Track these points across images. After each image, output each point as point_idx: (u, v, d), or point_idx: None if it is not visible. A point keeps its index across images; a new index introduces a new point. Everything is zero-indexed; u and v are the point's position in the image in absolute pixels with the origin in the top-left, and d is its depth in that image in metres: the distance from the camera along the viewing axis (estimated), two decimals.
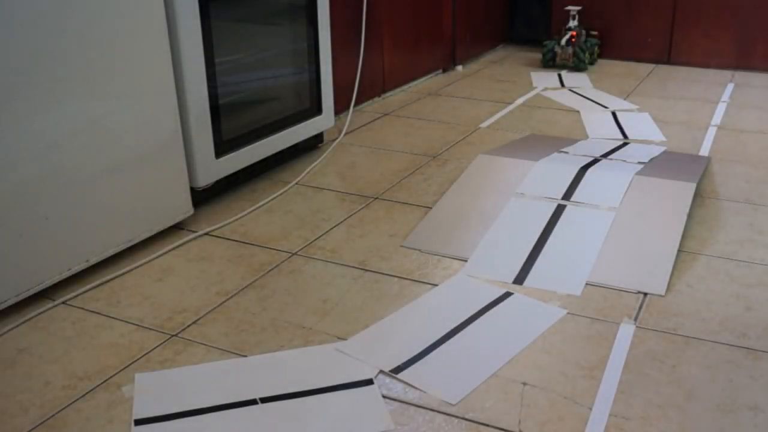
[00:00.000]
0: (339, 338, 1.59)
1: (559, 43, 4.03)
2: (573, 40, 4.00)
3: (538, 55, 4.48)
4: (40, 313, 1.69)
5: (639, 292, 1.76)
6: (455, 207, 2.19)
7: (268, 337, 1.60)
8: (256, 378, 1.45)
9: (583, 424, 1.33)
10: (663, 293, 1.75)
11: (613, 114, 3.18)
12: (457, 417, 1.35)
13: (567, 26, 4.06)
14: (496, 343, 1.56)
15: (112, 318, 1.68)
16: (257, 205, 2.26)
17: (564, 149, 2.61)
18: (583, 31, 4.08)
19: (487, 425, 1.33)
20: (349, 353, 1.53)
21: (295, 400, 1.39)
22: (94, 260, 1.85)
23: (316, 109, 2.64)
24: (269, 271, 1.88)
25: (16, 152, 1.61)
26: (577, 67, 4.02)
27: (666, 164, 2.45)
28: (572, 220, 2.06)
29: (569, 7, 4.11)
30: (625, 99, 3.44)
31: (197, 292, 1.79)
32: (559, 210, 2.10)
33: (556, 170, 2.32)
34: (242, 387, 1.43)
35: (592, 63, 4.16)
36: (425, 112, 3.25)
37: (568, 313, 1.68)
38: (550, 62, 4.11)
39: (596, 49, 4.20)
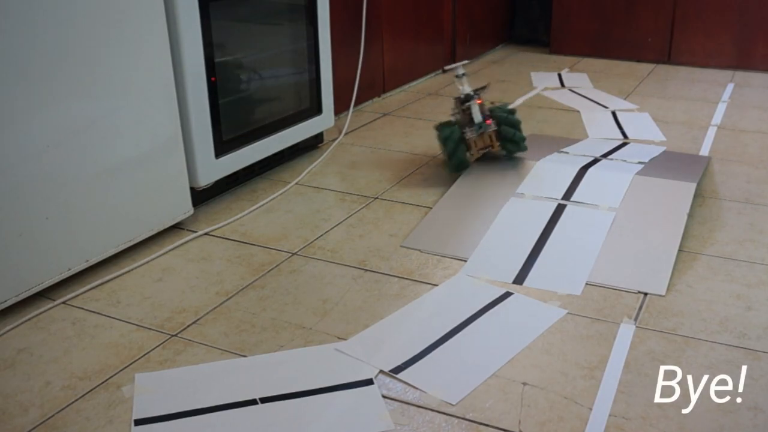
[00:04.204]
0: (339, 338, 1.59)
1: (468, 125, 2.37)
2: (488, 118, 2.39)
3: (538, 55, 4.48)
4: (40, 313, 1.69)
5: (639, 292, 1.76)
6: (455, 207, 2.19)
7: (268, 337, 1.59)
8: (256, 378, 1.45)
9: (583, 424, 1.33)
10: (663, 293, 1.75)
11: (613, 114, 3.18)
12: (457, 417, 1.35)
13: (462, 95, 2.40)
14: (496, 343, 1.56)
15: (112, 318, 1.68)
16: (257, 205, 2.26)
17: (564, 149, 2.60)
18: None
19: (487, 425, 1.33)
20: (349, 353, 1.53)
21: (295, 400, 1.39)
22: (94, 260, 1.84)
23: (316, 109, 2.64)
24: (269, 271, 1.88)
25: (16, 152, 1.61)
26: (514, 149, 2.43)
27: (666, 164, 2.45)
28: (572, 220, 2.05)
29: (452, 66, 2.63)
30: (625, 99, 3.44)
31: (197, 292, 1.79)
32: (560, 210, 2.10)
33: (556, 170, 2.32)
34: (242, 387, 1.43)
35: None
36: (425, 112, 3.25)
37: (568, 313, 1.68)
38: (461, 159, 2.38)
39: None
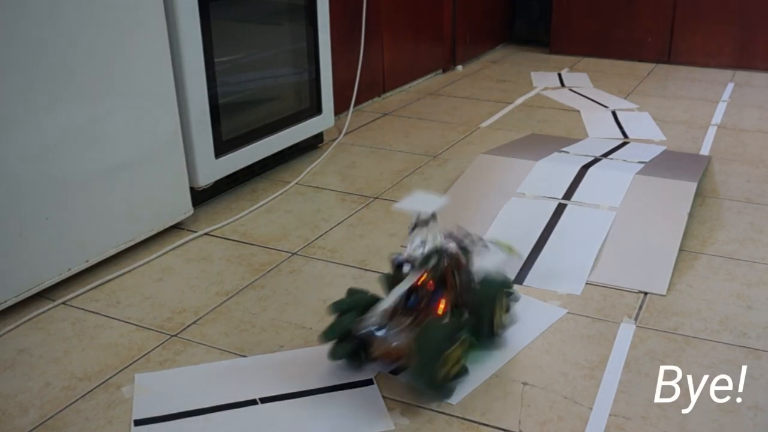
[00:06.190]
0: None
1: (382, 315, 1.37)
2: (444, 303, 1.37)
3: (538, 55, 4.48)
4: (40, 313, 1.69)
5: (639, 292, 1.76)
6: (455, 207, 2.19)
7: (268, 337, 1.59)
8: (256, 378, 1.45)
9: (583, 424, 1.33)
10: (664, 293, 1.75)
11: (613, 113, 3.18)
12: (457, 417, 1.35)
13: (407, 258, 1.40)
14: None
15: (112, 318, 1.68)
16: (257, 205, 2.26)
17: (564, 149, 2.60)
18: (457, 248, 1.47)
19: (487, 425, 1.33)
20: None
21: (295, 400, 1.39)
22: (94, 260, 1.84)
23: (316, 109, 2.64)
24: (269, 271, 1.88)
25: (16, 152, 1.61)
26: (431, 393, 1.36)
27: (666, 164, 2.44)
28: (573, 219, 2.05)
29: (405, 207, 1.42)
30: (625, 98, 3.44)
31: (197, 292, 1.79)
32: (560, 209, 2.10)
33: (557, 170, 2.32)
34: (242, 387, 1.43)
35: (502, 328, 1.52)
36: (425, 112, 3.25)
37: (568, 312, 1.68)
38: (353, 361, 1.44)
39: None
